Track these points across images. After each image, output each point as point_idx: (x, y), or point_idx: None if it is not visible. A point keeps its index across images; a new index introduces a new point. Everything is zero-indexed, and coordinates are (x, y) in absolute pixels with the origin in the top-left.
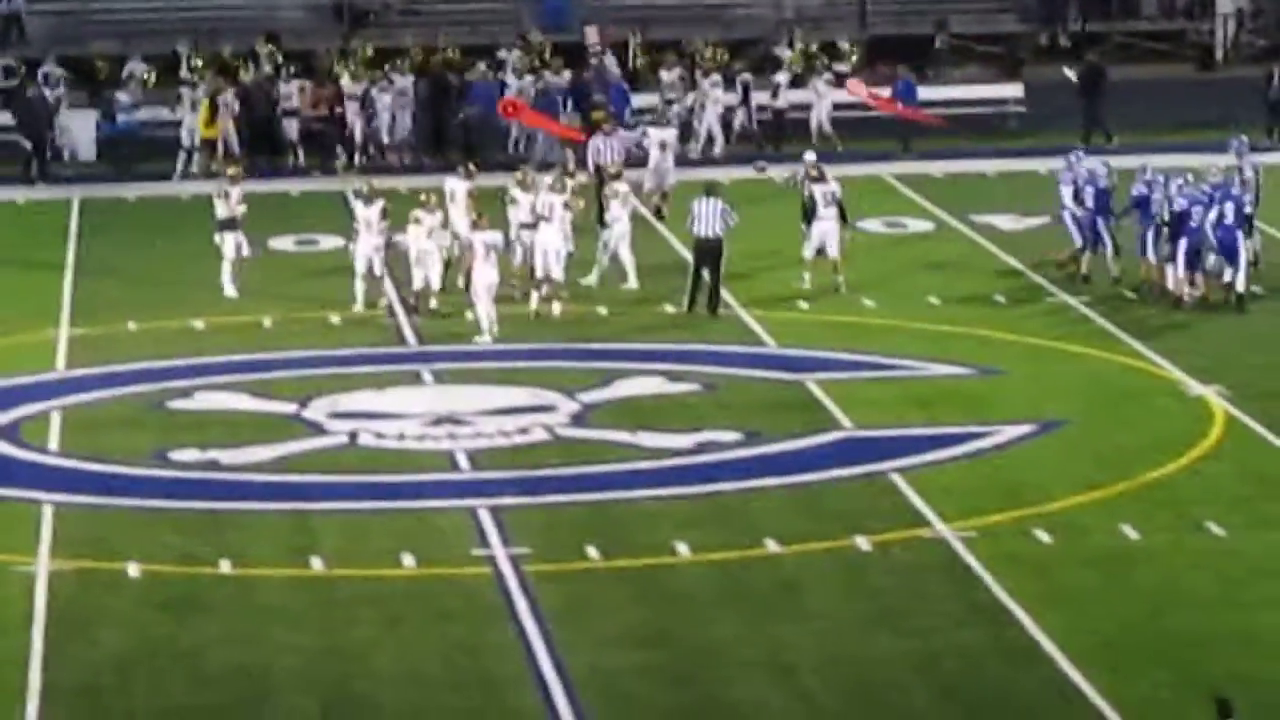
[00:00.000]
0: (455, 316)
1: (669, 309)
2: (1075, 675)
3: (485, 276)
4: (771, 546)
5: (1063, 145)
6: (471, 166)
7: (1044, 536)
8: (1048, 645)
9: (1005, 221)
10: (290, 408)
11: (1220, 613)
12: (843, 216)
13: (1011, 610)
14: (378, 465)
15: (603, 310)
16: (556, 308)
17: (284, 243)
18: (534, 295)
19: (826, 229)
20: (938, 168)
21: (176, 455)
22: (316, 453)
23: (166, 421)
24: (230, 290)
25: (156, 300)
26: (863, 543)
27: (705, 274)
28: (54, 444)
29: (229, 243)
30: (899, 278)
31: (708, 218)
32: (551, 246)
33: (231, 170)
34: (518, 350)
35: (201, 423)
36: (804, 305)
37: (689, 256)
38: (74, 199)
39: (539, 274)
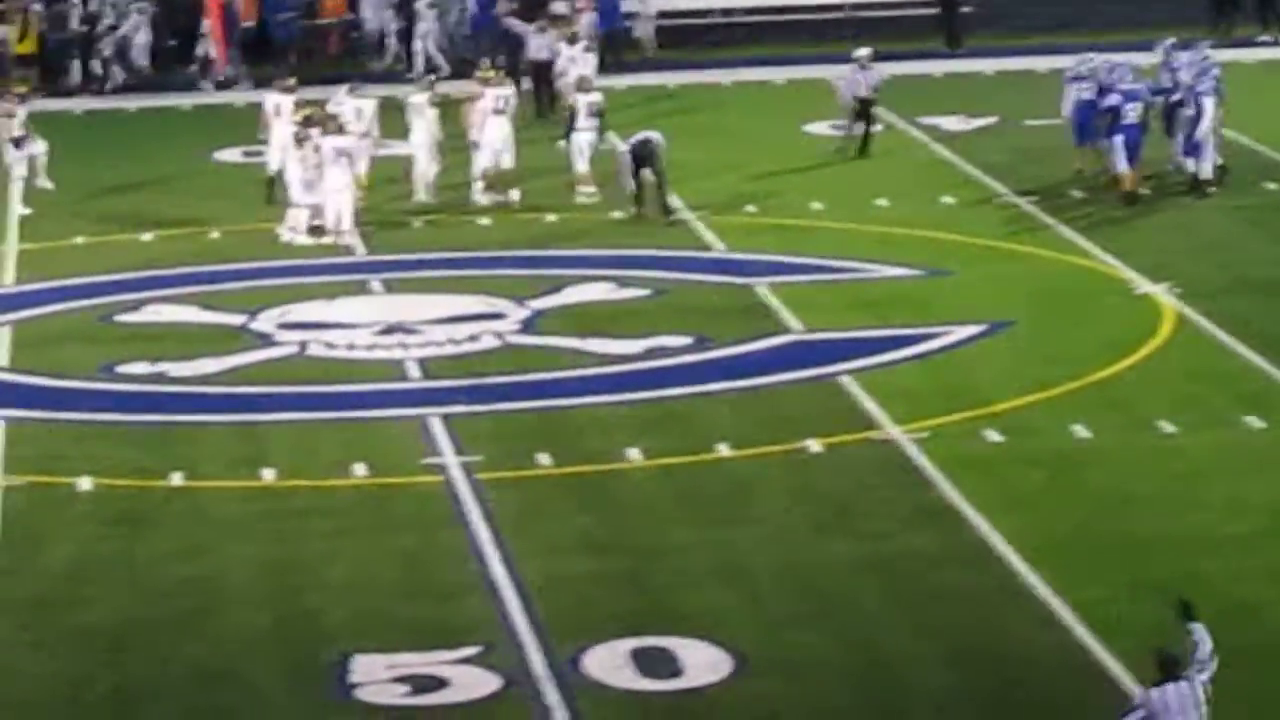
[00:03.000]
0: (404, 226)
1: (617, 215)
2: (1027, 575)
3: (334, 180)
4: (722, 451)
5: (1009, 47)
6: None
7: (994, 437)
8: (999, 546)
9: (953, 123)
10: (239, 319)
11: (1171, 511)
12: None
13: (962, 511)
14: (328, 375)
15: (552, 217)
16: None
17: (231, 154)
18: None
19: (587, 141)
20: (884, 69)
21: (126, 369)
22: (266, 364)
23: (115, 335)
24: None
25: (104, 214)
26: (813, 445)
27: (647, 173)
28: (3, 360)
29: (19, 163)
30: (846, 180)
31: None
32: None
33: (20, 88)
34: (467, 258)
35: (151, 336)
36: (752, 209)
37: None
38: (20, 114)
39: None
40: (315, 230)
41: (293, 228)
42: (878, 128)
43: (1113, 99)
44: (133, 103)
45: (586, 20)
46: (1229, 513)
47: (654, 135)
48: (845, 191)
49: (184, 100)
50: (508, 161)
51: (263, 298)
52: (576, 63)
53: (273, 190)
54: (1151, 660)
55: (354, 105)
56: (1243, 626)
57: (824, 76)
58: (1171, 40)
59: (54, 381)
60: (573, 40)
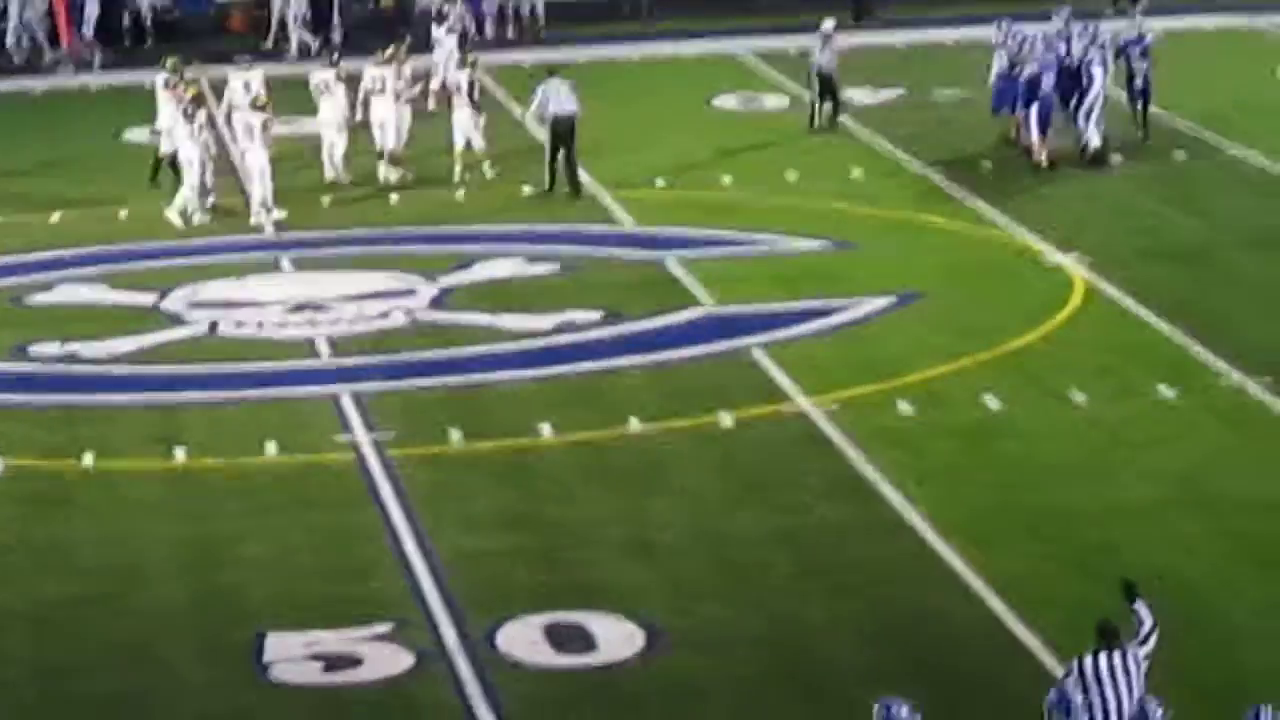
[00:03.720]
0: (313, 204)
1: (526, 190)
2: (942, 548)
3: (255, 159)
4: (634, 425)
5: (915, 18)
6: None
7: (906, 408)
8: (913, 518)
9: (861, 95)
10: (150, 299)
11: (1084, 482)
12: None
13: (875, 483)
14: (239, 354)
15: (459, 194)
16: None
17: (139, 134)
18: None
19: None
20: (793, 43)
21: (37, 349)
22: (177, 343)
23: (26, 316)
24: None
25: (12, 194)
26: (725, 419)
27: (563, 152)
28: None
29: None
30: (755, 154)
31: (561, 97)
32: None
33: None
34: (376, 235)
35: (61, 316)
36: (661, 183)
37: (540, 138)
38: None
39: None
40: (213, 209)
41: (180, 210)
42: (842, 100)
43: (1031, 68)
44: (39, 83)
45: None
46: (1142, 482)
47: (571, 108)
48: (755, 165)
49: (91, 80)
50: (391, 141)
51: (172, 277)
52: (442, 44)
53: (157, 171)
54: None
55: (242, 79)
56: (1155, 594)
57: (732, 51)
58: (1068, 9)
59: None
60: (440, 20)
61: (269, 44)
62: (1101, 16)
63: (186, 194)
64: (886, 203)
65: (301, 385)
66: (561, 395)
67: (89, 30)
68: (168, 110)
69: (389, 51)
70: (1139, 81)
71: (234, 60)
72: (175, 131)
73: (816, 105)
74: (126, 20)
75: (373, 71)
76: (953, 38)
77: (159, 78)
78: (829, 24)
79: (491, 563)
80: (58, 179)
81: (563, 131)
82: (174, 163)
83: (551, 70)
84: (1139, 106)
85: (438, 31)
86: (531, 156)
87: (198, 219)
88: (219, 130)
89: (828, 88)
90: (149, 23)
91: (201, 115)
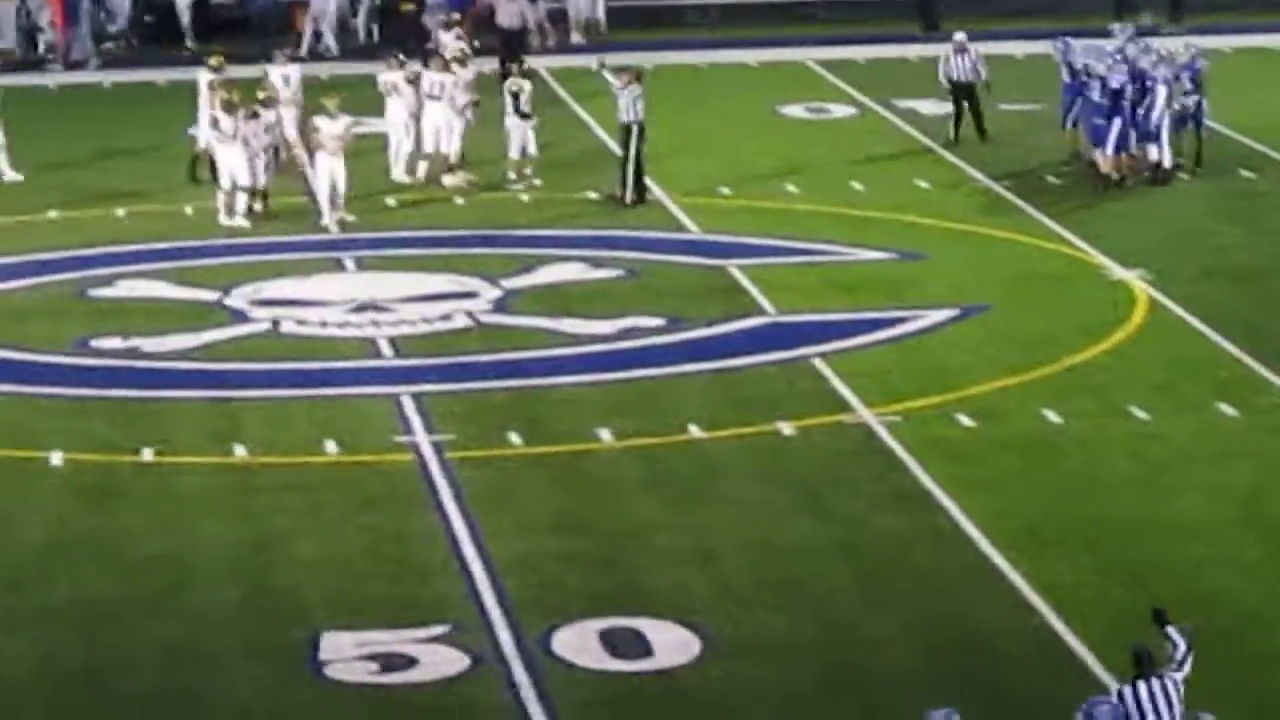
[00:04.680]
0: (378, 204)
1: (591, 195)
2: (998, 560)
3: (325, 161)
4: (694, 432)
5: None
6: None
7: (966, 421)
8: (970, 530)
9: (928, 106)
10: (212, 295)
11: (1142, 497)
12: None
13: (934, 495)
14: (300, 352)
15: (524, 197)
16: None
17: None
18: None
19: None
20: (860, 53)
21: (99, 343)
22: (239, 340)
23: (89, 309)
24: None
25: (77, 188)
26: (785, 428)
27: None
28: None
29: None
30: (821, 163)
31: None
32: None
33: None
34: (440, 237)
35: (124, 311)
36: (726, 191)
37: (613, 144)
38: None
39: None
40: (254, 214)
41: (232, 211)
42: (982, 112)
43: (1097, 84)
44: (108, 78)
45: None
46: (1200, 500)
47: (637, 118)
48: (820, 174)
49: (159, 75)
50: (444, 145)
51: (236, 274)
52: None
53: (195, 168)
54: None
55: (280, 73)
56: (1208, 614)
57: (798, 59)
58: (1131, 27)
59: (27, 356)
60: (449, 26)
61: (304, 50)
62: (1156, 33)
63: (222, 197)
64: (951, 214)
65: (362, 385)
66: (622, 401)
67: (118, 23)
68: (208, 109)
69: (447, 56)
70: (1190, 109)
71: (272, 56)
72: (216, 131)
73: (956, 117)
74: (186, 17)
75: (431, 76)
76: (1022, 51)
77: (202, 75)
78: (961, 35)
79: (548, 567)
80: (124, 173)
81: (633, 140)
82: (213, 162)
83: (639, 75)
84: (1193, 133)
85: (446, 36)
86: (598, 159)
87: (237, 221)
88: (278, 130)
89: (964, 98)
90: (189, 18)
91: (243, 117)
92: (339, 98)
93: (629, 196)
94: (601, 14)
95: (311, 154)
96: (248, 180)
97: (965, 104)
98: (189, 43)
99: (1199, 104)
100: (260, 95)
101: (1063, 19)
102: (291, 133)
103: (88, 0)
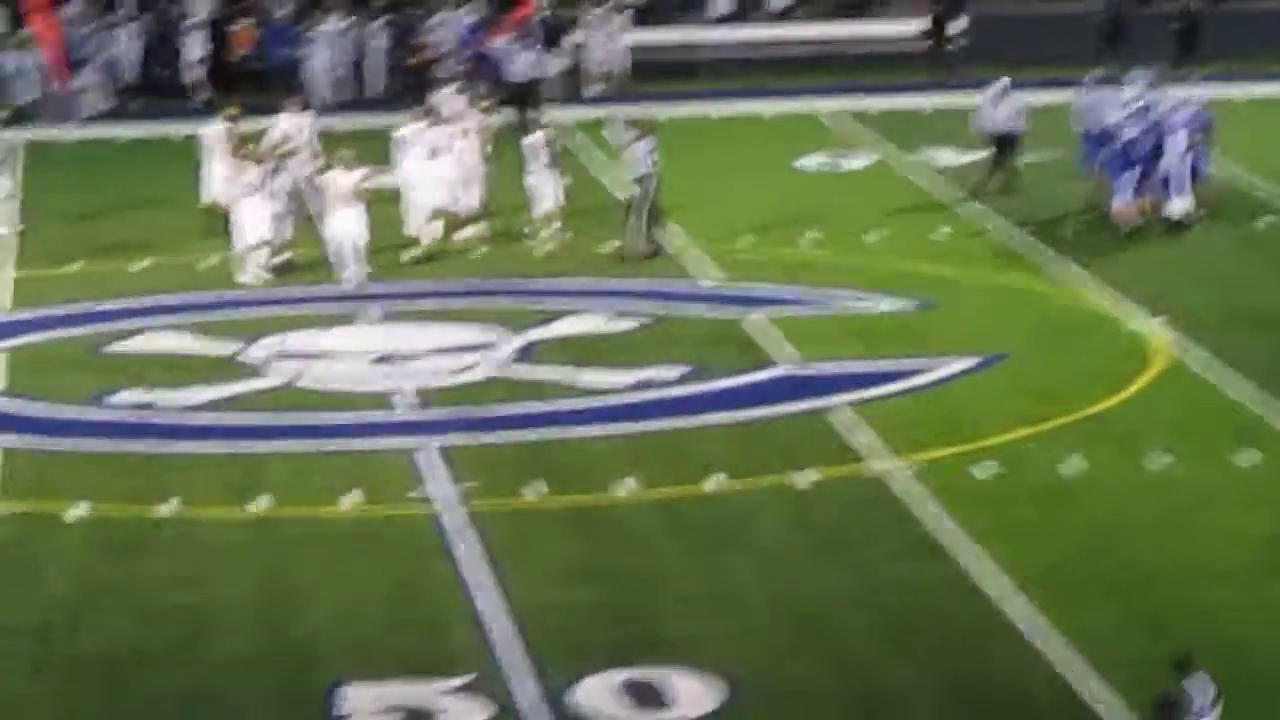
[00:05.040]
0: (398, 256)
1: (609, 246)
2: (1017, 608)
3: (340, 219)
4: (714, 482)
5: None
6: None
7: (986, 470)
8: (990, 578)
9: (945, 156)
10: (232, 348)
11: (1163, 544)
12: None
13: (953, 544)
14: (321, 405)
15: (544, 249)
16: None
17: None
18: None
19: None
20: (877, 103)
21: (119, 397)
22: (259, 393)
23: (109, 363)
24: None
25: (99, 241)
26: (804, 478)
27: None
28: (0, 385)
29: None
30: (839, 213)
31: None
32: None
33: None
34: (460, 288)
35: (144, 364)
36: (745, 241)
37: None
38: (21, 141)
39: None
40: (279, 268)
41: (258, 265)
42: (1020, 161)
43: (1115, 132)
44: (127, 130)
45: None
46: (1222, 547)
47: (651, 172)
48: (837, 224)
49: (178, 129)
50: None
51: (256, 326)
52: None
53: (210, 220)
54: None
55: (293, 122)
56: (1233, 661)
57: (815, 109)
58: (1147, 74)
59: (48, 409)
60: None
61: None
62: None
63: (240, 252)
64: (969, 263)
65: (383, 437)
66: (642, 451)
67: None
68: (219, 161)
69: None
70: (1194, 158)
71: (283, 106)
72: (231, 185)
73: (992, 165)
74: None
75: (436, 131)
76: (1040, 100)
77: (215, 127)
78: (1001, 82)
79: (570, 617)
80: (144, 226)
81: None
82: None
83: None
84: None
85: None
86: (615, 212)
87: (250, 276)
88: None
89: (1005, 147)
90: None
91: (270, 170)
92: (353, 151)
93: (645, 248)
94: (626, 65)
95: (324, 207)
96: (271, 234)
97: (1003, 152)
98: (204, 94)
99: (1204, 152)
100: (283, 148)
101: (1075, 68)
102: (306, 182)
103: (96, 50)
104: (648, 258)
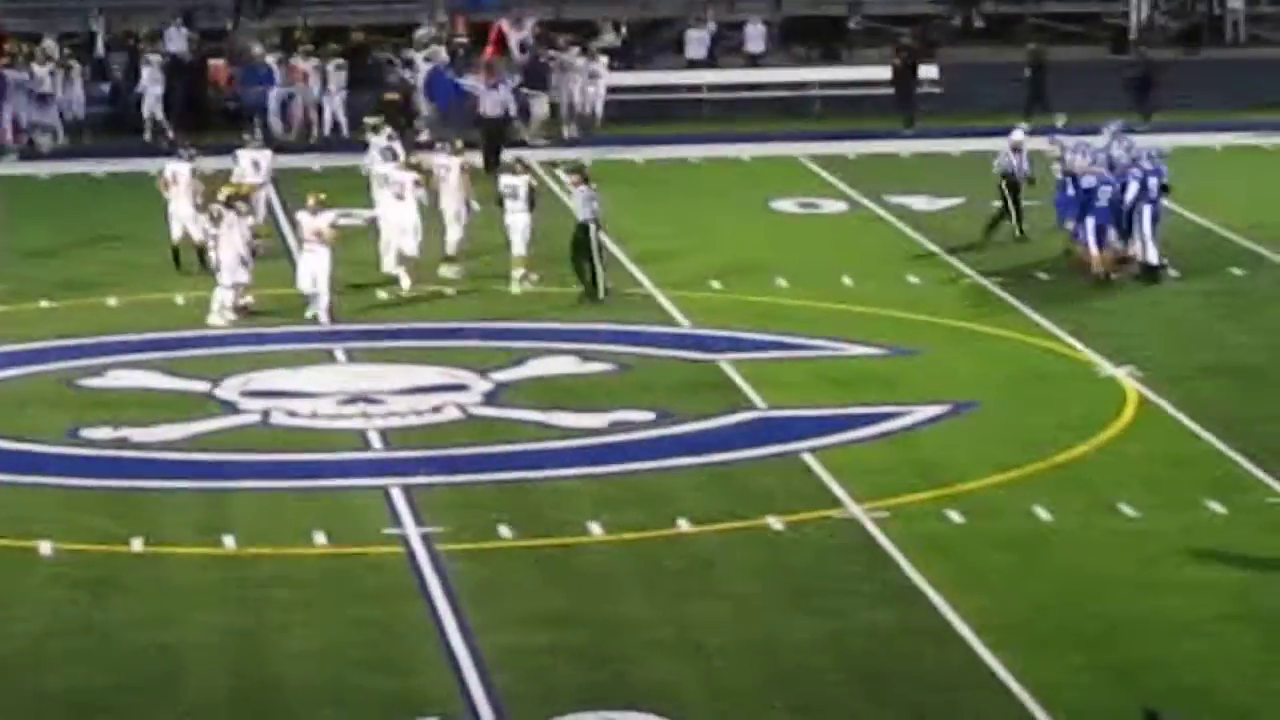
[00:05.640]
0: (369, 296)
1: (580, 288)
2: (988, 656)
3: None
4: (684, 526)
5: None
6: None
7: (956, 517)
8: (960, 626)
9: (919, 202)
10: (203, 386)
11: (1133, 594)
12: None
13: (924, 591)
14: (291, 444)
15: (516, 289)
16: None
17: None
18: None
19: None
20: (852, 148)
21: (89, 433)
22: (229, 431)
23: (80, 399)
24: None
25: (69, 278)
26: (776, 523)
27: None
28: None
29: None
30: (813, 258)
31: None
32: (409, 224)
33: None
34: (431, 329)
35: (114, 401)
36: (716, 285)
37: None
38: None
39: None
40: (241, 309)
41: (221, 307)
42: (1024, 207)
43: (1086, 181)
44: (100, 167)
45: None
46: (1191, 597)
47: (592, 216)
48: (811, 269)
49: (151, 165)
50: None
51: (226, 365)
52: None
53: (178, 259)
54: None
55: (250, 157)
56: (1201, 709)
57: (789, 154)
58: (1117, 124)
59: (18, 445)
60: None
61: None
62: (1135, 131)
63: (220, 295)
64: (942, 311)
65: (352, 477)
66: (612, 494)
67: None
68: (177, 199)
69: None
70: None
71: (243, 143)
72: (200, 225)
73: (1008, 212)
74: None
75: (398, 174)
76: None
77: (178, 166)
78: (1021, 128)
79: (538, 659)
80: (111, 263)
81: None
82: (201, 251)
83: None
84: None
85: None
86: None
87: (219, 318)
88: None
89: (1014, 194)
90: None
91: (239, 212)
92: (322, 194)
93: (599, 292)
94: (599, 108)
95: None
96: (245, 276)
97: (1012, 200)
98: (166, 132)
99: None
100: (241, 189)
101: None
102: (259, 217)
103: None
104: (589, 299)
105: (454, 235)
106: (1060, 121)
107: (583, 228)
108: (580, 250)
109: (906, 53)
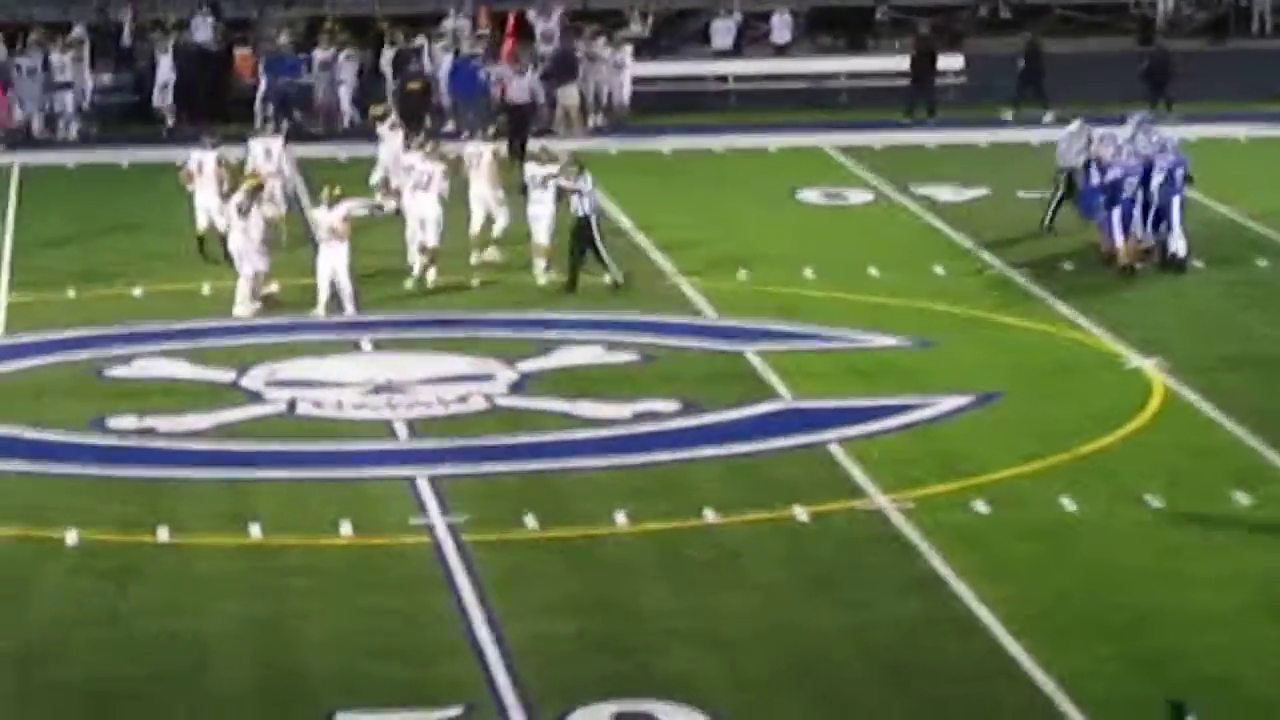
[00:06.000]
0: (395, 285)
1: (607, 279)
2: (1013, 647)
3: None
4: (709, 517)
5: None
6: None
7: (982, 508)
8: (985, 617)
9: (945, 193)
10: (229, 375)
11: (1158, 585)
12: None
13: (949, 582)
14: (316, 433)
15: (542, 280)
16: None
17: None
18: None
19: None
20: (878, 138)
21: (115, 423)
22: (255, 420)
23: (105, 389)
24: None
25: (94, 268)
26: (801, 513)
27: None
28: None
29: None
30: (839, 248)
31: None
32: (431, 215)
33: None
34: (457, 319)
35: (140, 390)
36: (743, 275)
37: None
38: (14, 166)
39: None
40: (266, 298)
41: (244, 297)
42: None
43: (1112, 173)
44: (125, 156)
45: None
46: (1216, 588)
47: (590, 209)
48: (837, 260)
49: (179, 154)
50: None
51: (252, 354)
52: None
53: (203, 248)
54: None
55: (263, 145)
56: (1226, 700)
57: (816, 144)
58: (1141, 115)
59: (43, 434)
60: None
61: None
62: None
63: (246, 285)
64: (968, 301)
65: (378, 467)
66: (637, 484)
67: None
68: (202, 188)
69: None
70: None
71: (255, 131)
72: (225, 215)
73: (1059, 202)
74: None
75: (419, 164)
76: (1038, 138)
77: (203, 155)
78: (1080, 120)
79: (563, 649)
80: (141, 253)
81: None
82: (225, 240)
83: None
84: (1160, 226)
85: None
86: (612, 244)
87: (244, 309)
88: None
89: (1070, 185)
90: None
91: (259, 201)
92: (337, 187)
93: (615, 280)
94: (627, 97)
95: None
96: (264, 264)
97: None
98: (168, 120)
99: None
100: (260, 179)
101: (1077, 105)
102: (277, 206)
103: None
104: (569, 289)
105: (501, 220)
106: (1048, 118)
107: (584, 221)
108: (583, 243)
109: (925, 42)
